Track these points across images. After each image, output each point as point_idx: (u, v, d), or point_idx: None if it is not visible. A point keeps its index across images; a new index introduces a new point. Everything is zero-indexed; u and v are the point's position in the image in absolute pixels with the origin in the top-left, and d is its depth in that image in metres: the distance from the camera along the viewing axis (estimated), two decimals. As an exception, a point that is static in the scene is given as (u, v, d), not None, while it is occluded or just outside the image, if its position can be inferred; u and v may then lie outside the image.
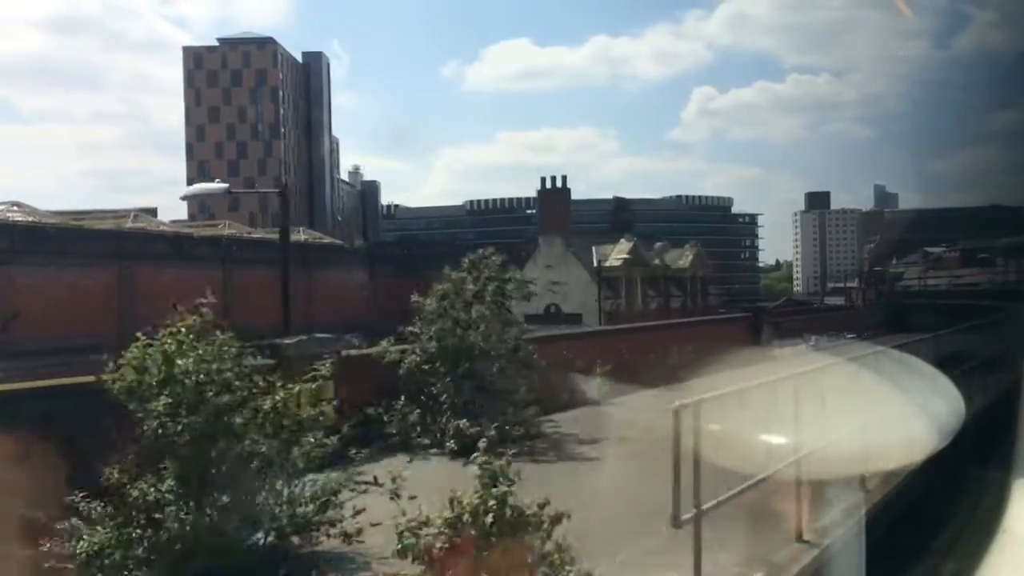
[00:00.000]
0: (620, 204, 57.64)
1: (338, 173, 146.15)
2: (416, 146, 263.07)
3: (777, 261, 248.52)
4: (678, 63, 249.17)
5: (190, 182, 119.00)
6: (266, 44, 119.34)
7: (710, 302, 54.46)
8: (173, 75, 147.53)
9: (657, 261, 50.22)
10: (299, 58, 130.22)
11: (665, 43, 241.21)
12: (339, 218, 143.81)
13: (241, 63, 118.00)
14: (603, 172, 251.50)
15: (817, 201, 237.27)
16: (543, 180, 46.24)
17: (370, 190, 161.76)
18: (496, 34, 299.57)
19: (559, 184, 45.27)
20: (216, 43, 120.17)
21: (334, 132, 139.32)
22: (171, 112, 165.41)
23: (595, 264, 45.95)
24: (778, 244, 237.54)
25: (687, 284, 53.20)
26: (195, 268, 37.20)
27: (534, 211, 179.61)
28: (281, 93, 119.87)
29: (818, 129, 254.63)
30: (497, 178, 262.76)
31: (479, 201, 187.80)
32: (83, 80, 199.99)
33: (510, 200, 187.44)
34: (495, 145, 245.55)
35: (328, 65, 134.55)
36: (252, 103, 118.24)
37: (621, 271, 46.46)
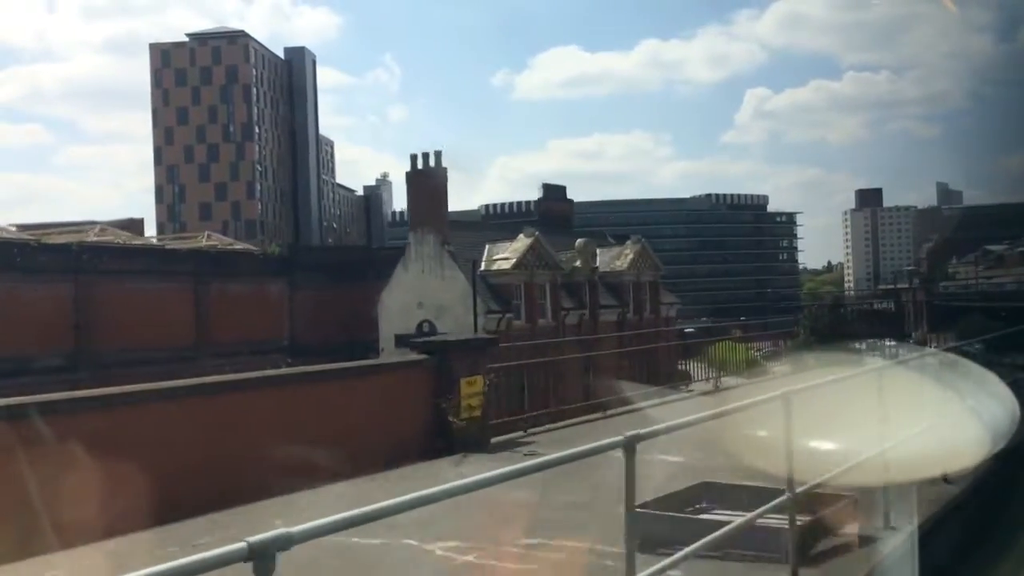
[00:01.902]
0: (550, 193, 46.12)
1: (331, 176, 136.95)
2: (468, 157, 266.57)
3: (828, 263, 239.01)
4: (731, 64, 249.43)
5: (159, 188, 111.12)
6: (237, 39, 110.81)
7: (665, 313, 42.66)
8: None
9: (578, 263, 38.73)
10: (281, 55, 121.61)
11: (717, 45, 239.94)
12: (334, 225, 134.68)
13: (211, 60, 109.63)
14: (660, 177, 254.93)
15: (869, 199, 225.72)
16: (412, 159, 35.27)
17: (375, 196, 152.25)
18: (545, 42, 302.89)
19: (432, 163, 34.22)
20: (185, 39, 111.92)
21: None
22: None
23: (482, 268, 34.81)
24: (834, 245, 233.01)
25: (626, 291, 41.60)
26: (35, 282, 32.36)
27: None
28: (255, 91, 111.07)
29: (879, 128, 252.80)
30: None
31: (495, 205, 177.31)
32: (141, 100, 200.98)
33: (527, 203, 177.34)
34: (547, 153, 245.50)
35: (314, 62, 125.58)
36: (223, 102, 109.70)
37: (513, 276, 35.20)
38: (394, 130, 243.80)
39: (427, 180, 35.13)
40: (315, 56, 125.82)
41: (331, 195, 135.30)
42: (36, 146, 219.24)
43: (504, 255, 35.18)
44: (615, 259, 42.10)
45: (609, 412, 14.00)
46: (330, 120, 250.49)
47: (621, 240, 43.53)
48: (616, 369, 31.74)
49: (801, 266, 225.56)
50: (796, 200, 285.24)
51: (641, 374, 21.72)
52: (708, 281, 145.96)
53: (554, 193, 46.14)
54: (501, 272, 34.81)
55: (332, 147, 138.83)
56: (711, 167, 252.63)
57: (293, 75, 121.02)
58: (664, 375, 20.29)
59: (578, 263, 38.77)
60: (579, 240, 39.42)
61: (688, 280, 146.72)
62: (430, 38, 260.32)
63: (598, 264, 40.33)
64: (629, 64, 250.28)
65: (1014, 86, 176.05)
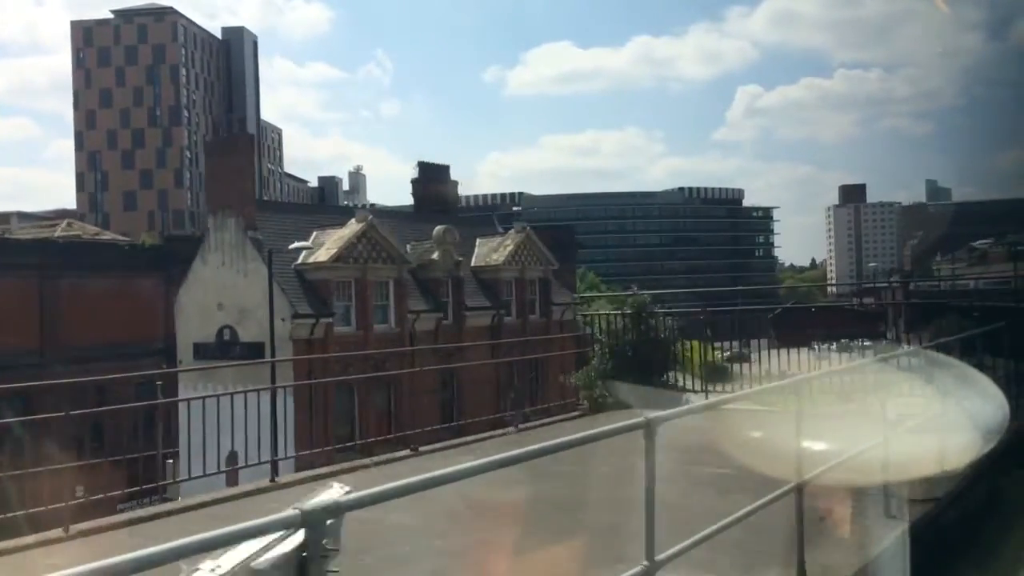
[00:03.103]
0: (429, 172, 38.79)
1: (278, 166, 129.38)
2: (460, 152, 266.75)
3: (813, 260, 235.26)
4: (723, 62, 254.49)
5: (79, 175, 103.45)
6: (165, 15, 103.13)
7: (560, 316, 35.51)
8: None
9: (435, 256, 31.55)
10: (218, 34, 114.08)
11: (708, 42, 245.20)
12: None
13: (136, 38, 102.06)
14: (651, 173, 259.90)
15: (853, 195, 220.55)
16: (216, 128, 27.89)
17: (329, 187, 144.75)
18: (536, 37, 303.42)
19: (236, 130, 26.81)
20: (110, 15, 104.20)
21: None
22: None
23: (299, 261, 27.56)
24: (821, 242, 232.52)
25: (505, 290, 34.46)
26: None
27: (520, 207, 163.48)
28: (185, 72, 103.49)
29: (870, 125, 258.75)
30: (543, 182, 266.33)
31: (465, 197, 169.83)
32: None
33: (500, 196, 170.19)
34: (540, 149, 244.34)
35: (255, 43, 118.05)
36: (149, 84, 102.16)
37: (336, 271, 27.93)
38: (387, 125, 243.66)
39: (228, 150, 27.88)
40: (256, 37, 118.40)
41: (277, 185, 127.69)
42: (26, 140, 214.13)
43: (329, 247, 27.92)
44: (492, 251, 34.89)
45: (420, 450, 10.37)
46: (321, 115, 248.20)
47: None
48: (483, 385, 24.37)
49: (788, 263, 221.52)
50: (788, 197, 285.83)
51: (526, 389, 17.69)
52: (683, 278, 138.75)
53: (434, 173, 38.83)
54: (317, 266, 27.56)
55: (280, 135, 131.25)
56: (703, 164, 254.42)
57: (231, 57, 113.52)
58: (554, 390, 15.93)
59: (435, 255, 31.56)
60: (437, 228, 32.15)
61: (659, 277, 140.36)
62: (422, 33, 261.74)
63: (461, 258, 33.07)
64: (621, 60, 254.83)
65: (1005, 84, 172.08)
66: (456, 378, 27.60)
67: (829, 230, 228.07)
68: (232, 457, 9.92)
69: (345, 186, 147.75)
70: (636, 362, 13.63)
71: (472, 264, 34.67)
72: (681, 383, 14.02)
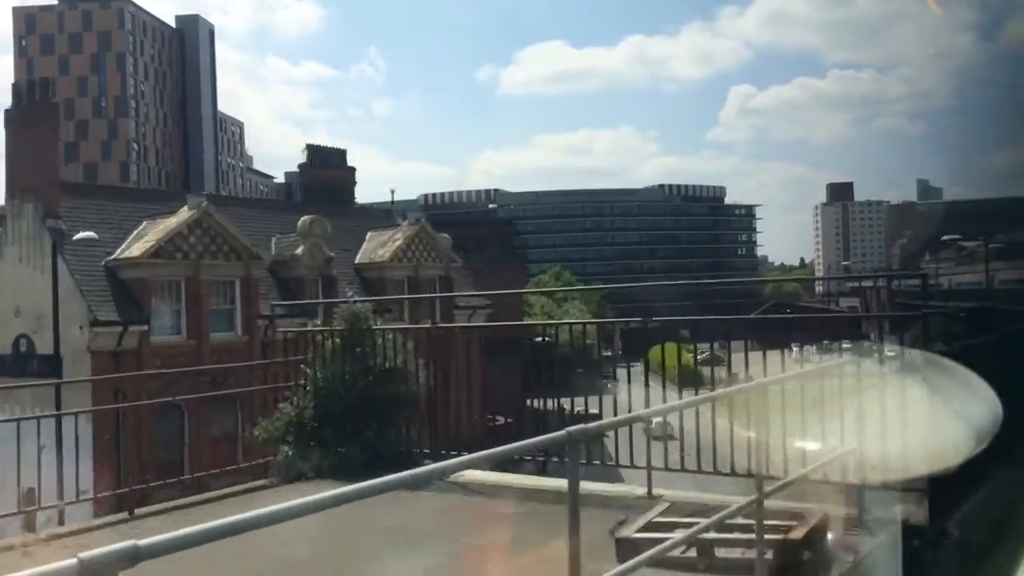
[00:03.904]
0: (319, 157, 33.97)
1: (239, 160, 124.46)
2: (454, 151, 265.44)
3: (801, 259, 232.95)
4: (716, 62, 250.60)
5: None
6: (111, 2, 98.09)
7: (468, 319, 30.78)
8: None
9: (300, 250, 26.86)
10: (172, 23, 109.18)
11: (701, 42, 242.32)
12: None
13: (81, 25, 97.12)
14: (644, 173, 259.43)
15: (840, 193, 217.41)
16: (15, 89, 23.34)
17: (296, 183, 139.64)
18: (530, 36, 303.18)
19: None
20: (54, 1, 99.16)
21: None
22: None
23: (113, 256, 22.85)
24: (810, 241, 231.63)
25: (394, 291, 29.81)
26: None
27: (495, 204, 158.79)
28: (132, 61, 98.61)
29: (863, 125, 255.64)
30: (536, 181, 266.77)
31: (436, 195, 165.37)
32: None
33: (475, 193, 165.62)
34: (534, 149, 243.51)
35: (211, 32, 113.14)
36: (94, 73, 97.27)
37: (155, 269, 23.19)
38: (379, 124, 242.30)
39: (29, 121, 23.16)
40: (212, 26, 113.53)
41: (239, 181, 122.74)
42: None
43: (149, 240, 23.19)
44: (380, 247, 30.19)
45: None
46: (314, 113, 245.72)
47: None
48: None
49: (779, 262, 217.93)
50: (783, 197, 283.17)
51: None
52: (663, 277, 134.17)
53: (326, 158, 34.08)
54: (131, 263, 22.82)
55: (241, 128, 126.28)
56: (696, 164, 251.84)
57: (186, 47, 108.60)
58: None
59: (300, 251, 26.86)
60: (303, 218, 27.45)
61: (638, 275, 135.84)
62: (414, 32, 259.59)
63: (333, 253, 28.35)
64: (614, 60, 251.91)
65: (997, 85, 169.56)
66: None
67: (816, 229, 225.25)
68: (31, 495, 7.80)
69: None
70: (352, 407, 8.99)
71: (356, 261, 30.03)
72: (427, 442, 9.47)
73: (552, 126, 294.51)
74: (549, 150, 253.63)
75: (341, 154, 34.98)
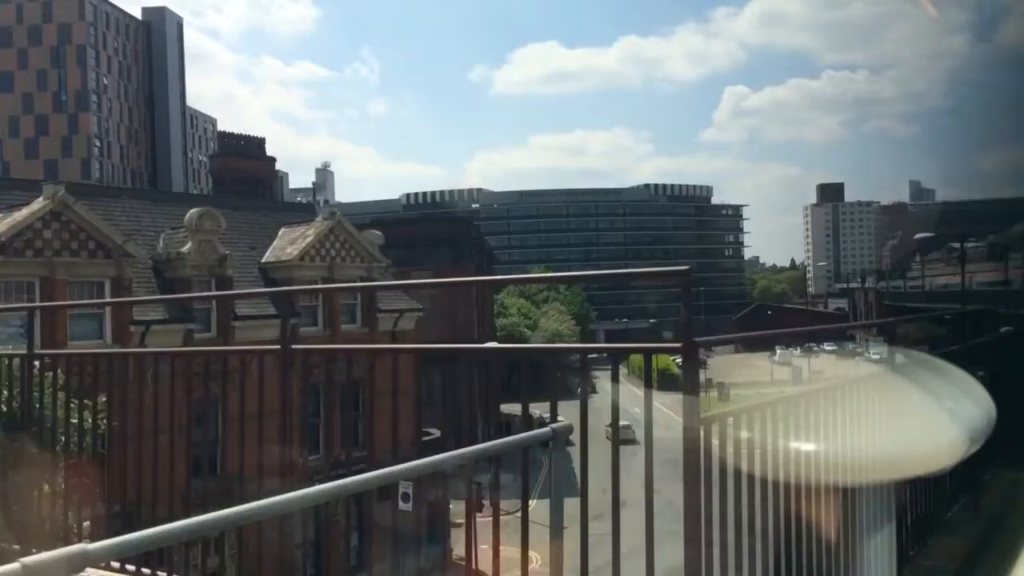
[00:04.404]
0: (235, 147, 30.80)
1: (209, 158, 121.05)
2: (448, 151, 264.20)
3: (792, 261, 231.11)
4: (710, 62, 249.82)
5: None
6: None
7: (393, 326, 27.81)
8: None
9: (187, 248, 23.73)
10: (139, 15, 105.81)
11: (695, 42, 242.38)
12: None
13: (40, 17, 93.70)
14: (638, 173, 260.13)
15: (830, 194, 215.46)
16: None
17: (276, 180, 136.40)
18: (523, 37, 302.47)
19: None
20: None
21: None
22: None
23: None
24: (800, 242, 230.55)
25: (305, 295, 26.73)
26: None
27: (478, 204, 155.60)
28: (94, 54, 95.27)
29: (857, 126, 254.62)
30: (532, 181, 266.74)
31: (419, 194, 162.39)
32: None
33: (454, 192, 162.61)
34: (529, 149, 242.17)
35: (179, 25, 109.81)
36: (55, 67, 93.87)
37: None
38: (374, 124, 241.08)
39: None
40: (180, 19, 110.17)
41: (210, 179, 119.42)
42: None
43: (-5, 232, 20.05)
44: (289, 244, 27.08)
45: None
46: (308, 113, 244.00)
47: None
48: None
49: (770, 263, 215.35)
50: (777, 197, 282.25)
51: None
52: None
53: (242, 148, 30.97)
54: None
55: (214, 125, 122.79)
56: (690, 164, 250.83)
57: (152, 39, 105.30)
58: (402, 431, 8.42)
59: (187, 248, 23.72)
60: (191, 211, 24.32)
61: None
62: (408, 32, 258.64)
63: (227, 251, 25.22)
64: (609, 60, 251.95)
65: (991, 86, 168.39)
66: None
67: (807, 229, 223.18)
68: None
69: (307, 183, 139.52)
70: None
71: (262, 260, 26.94)
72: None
73: (547, 127, 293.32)
74: (544, 151, 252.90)
75: (259, 143, 31.86)
